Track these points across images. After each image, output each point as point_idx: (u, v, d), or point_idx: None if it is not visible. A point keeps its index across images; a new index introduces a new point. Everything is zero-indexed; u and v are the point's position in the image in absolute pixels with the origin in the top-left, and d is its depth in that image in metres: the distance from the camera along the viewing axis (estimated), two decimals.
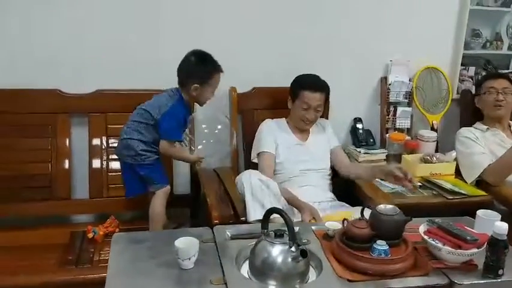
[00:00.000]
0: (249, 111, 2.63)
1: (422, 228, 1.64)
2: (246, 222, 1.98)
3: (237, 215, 2.06)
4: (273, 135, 2.43)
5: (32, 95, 2.35)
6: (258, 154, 2.42)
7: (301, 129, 2.47)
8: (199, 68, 2.11)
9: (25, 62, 2.37)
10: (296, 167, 2.41)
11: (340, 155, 2.55)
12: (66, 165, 2.39)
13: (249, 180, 2.05)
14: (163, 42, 2.50)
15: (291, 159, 2.41)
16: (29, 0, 2.32)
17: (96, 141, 2.44)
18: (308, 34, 2.65)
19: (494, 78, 2.64)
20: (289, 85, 2.43)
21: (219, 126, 2.68)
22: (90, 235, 2.25)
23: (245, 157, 2.61)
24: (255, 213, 1.97)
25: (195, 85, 2.10)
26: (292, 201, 2.19)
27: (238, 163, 2.62)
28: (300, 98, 2.37)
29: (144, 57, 2.48)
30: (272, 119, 2.52)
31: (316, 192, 2.35)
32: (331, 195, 2.41)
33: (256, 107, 2.63)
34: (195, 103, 2.24)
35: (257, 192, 2.01)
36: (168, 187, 2.22)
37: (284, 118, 2.53)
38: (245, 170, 2.37)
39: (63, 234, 2.27)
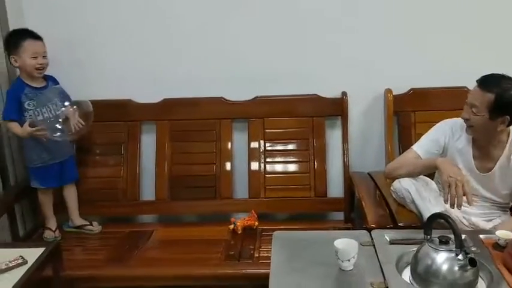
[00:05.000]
0: (405, 113, 2.54)
1: None
2: (404, 227, 1.93)
3: (394, 219, 2.01)
4: (442, 140, 2.04)
5: (201, 103, 2.59)
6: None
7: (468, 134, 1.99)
8: (9, 42, 2.28)
9: (197, 75, 2.60)
10: None
11: None
12: (229, 167, 2.58)
13: (409, 182, 1.99)
14: (310, 52, 2.56)
15: None
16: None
17: (254, 145, 2.59)
18: (473, 30, 2.48)
19: None
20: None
21: (373, 129, 2.64)
22: (231, 226, 2.43)
23: None
24: (429, 210, 1.87)
25: (12, 56, 2.25)
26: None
27: None
28: None
29: (295, 66, 2.57)
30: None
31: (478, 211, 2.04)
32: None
33: (413, 109, 2.52)
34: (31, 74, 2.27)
35: (422, 192, 1.96)
36: None
37: None
38: None
39: (225, 231, 2.44)
